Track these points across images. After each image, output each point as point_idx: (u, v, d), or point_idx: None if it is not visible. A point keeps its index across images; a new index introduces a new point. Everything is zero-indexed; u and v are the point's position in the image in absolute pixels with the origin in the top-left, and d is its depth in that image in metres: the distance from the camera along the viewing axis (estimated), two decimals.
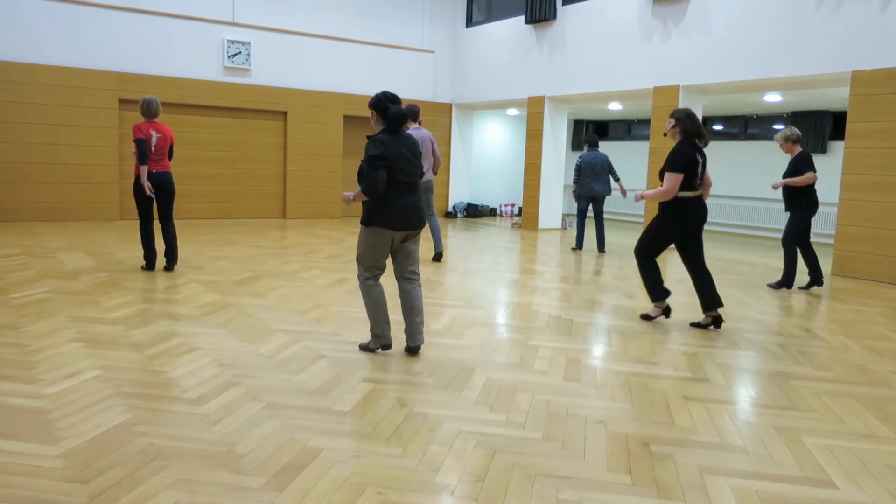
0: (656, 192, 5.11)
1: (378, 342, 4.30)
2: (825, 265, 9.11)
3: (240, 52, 11.97)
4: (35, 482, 2.51)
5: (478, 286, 6.78)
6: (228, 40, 11.85)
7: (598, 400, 3.63)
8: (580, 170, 9.64)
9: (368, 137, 4.08)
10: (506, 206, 15.97)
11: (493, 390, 3.71)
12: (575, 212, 10.00)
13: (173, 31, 11.39)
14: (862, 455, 3.04)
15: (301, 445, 2.91)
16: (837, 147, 11.66)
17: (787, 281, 7.14)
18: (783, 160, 12.47)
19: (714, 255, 9.93)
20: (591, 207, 9.86)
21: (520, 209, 15.65)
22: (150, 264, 6.88)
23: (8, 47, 10.17)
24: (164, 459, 2.72)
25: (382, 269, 4.23)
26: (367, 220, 4.07)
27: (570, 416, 3.39)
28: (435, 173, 8.12)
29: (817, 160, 12.03)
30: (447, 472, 2.72)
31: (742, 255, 9.99)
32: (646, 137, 14.20)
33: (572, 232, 12.45)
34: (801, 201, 6.96)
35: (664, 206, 5.20)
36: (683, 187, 5.05)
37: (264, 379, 3.76)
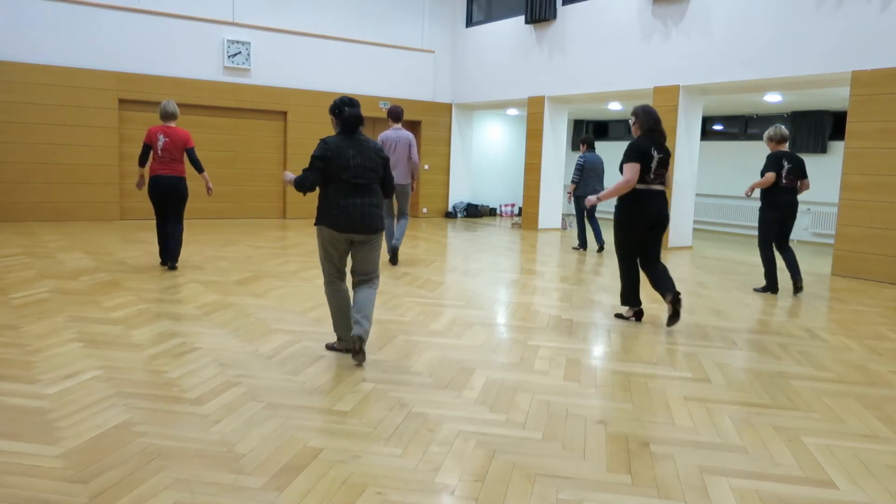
0: (616, 186, 5.23)
1: (342, 344, 4.31)
2: (825, 265, 9.12)
3: (240, 52, 11.97)
4: (35, 482, 2.51)
5: (478, 286, 6.78)
6: (228, 40, 11.85)
7: (598, 400, 3.63)
8: (583, 170, 9.65)
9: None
10: (506, 206, 15.98)
11: (493, 390, 3.71)
12: (574, 212, 10.09)
13: (173, 31, 11.39)
14: (862, 455, 3.04)
15: (301, 445, 2.91)
16: (837, 147, 11.66)
17: (769, 285, 7.02)
18: None
19: (715, 255, 9.93)
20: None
21: (520, 209, 15.65)
22: (163, 260, 7.11)
23: (8, 47, 10.17)
24: (164, 459, 2.72)
25: (339, 271, 4.19)
26: (316, 220, 4.09)
27: (570, 416, 3.39)
28: (414, 178, 8.01)
29: (817, 160, 12.08)
30: (447, 472, 2.72)
31: (743, 255, 9.99)
32: None
33: (572, 232, 12.46)
34: (762, 202, 6.94)
35: (620, 203, 5.32)
36: (638, 180, 5.19)
37: (264, 379, 3.76)
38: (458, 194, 15.01)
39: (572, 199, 9.90)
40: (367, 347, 4.43)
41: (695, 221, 13.46)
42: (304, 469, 2.69)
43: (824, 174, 11.92)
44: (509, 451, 2.94)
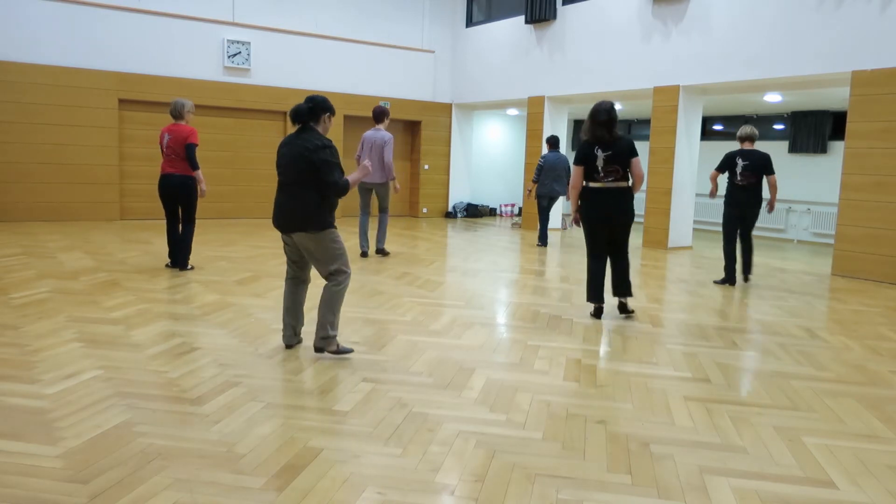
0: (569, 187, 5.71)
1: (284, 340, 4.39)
2: (825, 265, 9.13)
3: (240, 52, 11.97)
4: (35, 482, 2.51)
5: (478, 286, 6.78)
6: (228, 40, 11.84)
7: (598, 400, 3.63)
8: (542, 170, 9.97)
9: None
10: (506, 206, 15.97)
11: (493, 390, 3.71)
12: (564, 213, 10.39)
13: (173, 31, 11.39)
14: (862, 455, 3.04)
15: (301, 445, 2.91)
16: (837, 147, 11.66)
17: (727, 277, 7.41)
18: (782, 161, 12.49)
19: (715, 255, 9.92)
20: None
21: (520, 209, 15.64)
22: (171, 262, 7.07)
23: (8, 47, 10.16)
24: (164, 459, 2.72)
25: (291, 267, 4.29)
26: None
27: (570, 416, 3.39)
28: (390, 179, 8.22)
29: (817, 160, 12.09)
30: (447, 472, 2.72)
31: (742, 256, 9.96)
32: (646, 137, 14.19)
33: (571, 232, 12.47)
34: (724, 199, 7.30)
35: (579, 200, 5.57)
36: (586, 178, 5.44)
37: (264, 379, 3.76)
38: (458, 194, 15.01)
39: (532, 197, 10.26)
40: (367, 347, 4.45)
41: (695, 221, 13.45)
42: (304, 469, 2.69)
43: (824, 174, 11.93)
44: (509, 451, 2.94)
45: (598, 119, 5.38)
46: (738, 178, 7.00)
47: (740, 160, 6.97)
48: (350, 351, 4.22)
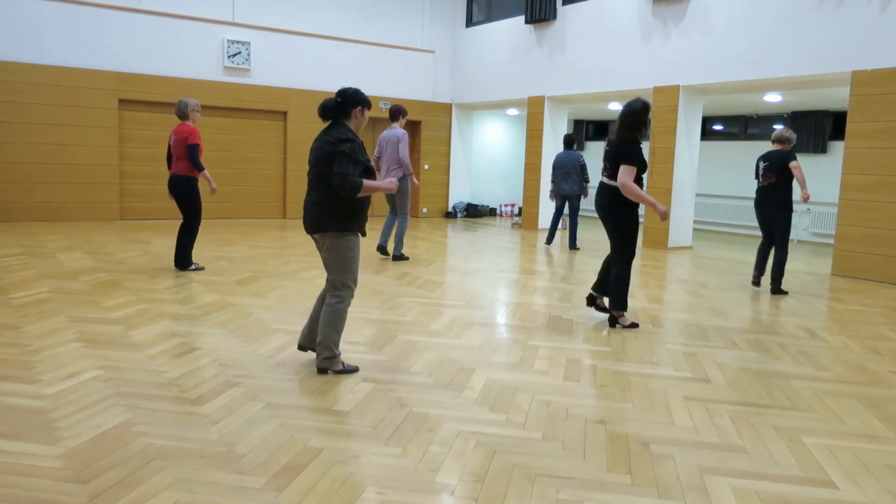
0: None
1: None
2: (825, 265, 9.12)
3: (240, 52, 11.97)
4: (35, 482, 2.51)
5: (478, 286, 6.78)
6: (228, 40, 11.84)
7: (598, 400, 3.63)
8: (554, 169, 9.98)
9: None
10: (506, 206, 15.97)
11: (493, 390, 3.71)
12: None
13: (173, 31, 11.39)
14: (862, 455, 3.04)
15: (301, 445, 2.91)
16: (837, 147, 11.66)
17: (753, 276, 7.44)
18: None
19: (714, 255, 9.93)
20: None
21: (520, 209, 15.64)
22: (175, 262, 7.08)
23: (8, 47, 10.16)
24: (164, 459, 2.72)
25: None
26: None
27: (570, 416, 3.39)
28: (407, 174, 8.02)
29: (817, 160, 12.09)
30: (447, 472, 2.72)
31: (742, 255, 9.98)
32: (646, 137, 14.21)
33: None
34: None
35: None
36: None
37: (264, 379, 3.76)
38: (458, 194, 15.01)
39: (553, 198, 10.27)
40: (367, 347, 4.45)
41: (695, 221, 13.46)
42: (304, 469, 2.69)
43: (824, 174, 11.93)
44: (509, 451, 2.94)
45: (620, 117, 5.26)
46: (761, 179, 6.96)
47: (762, 162, 6.95)
48: (355, 369, 3.92)
